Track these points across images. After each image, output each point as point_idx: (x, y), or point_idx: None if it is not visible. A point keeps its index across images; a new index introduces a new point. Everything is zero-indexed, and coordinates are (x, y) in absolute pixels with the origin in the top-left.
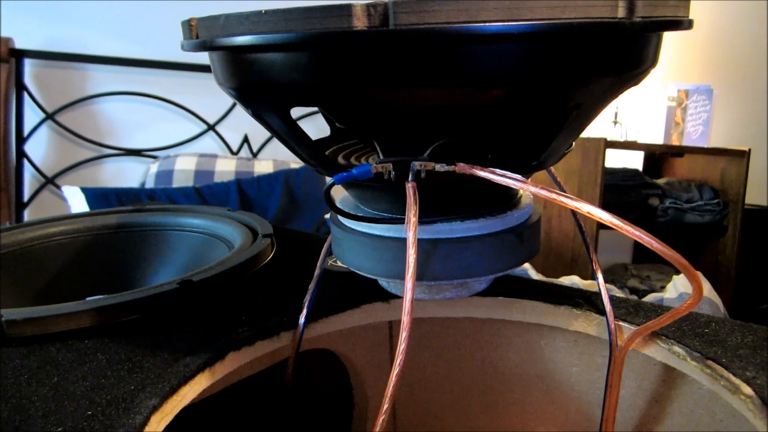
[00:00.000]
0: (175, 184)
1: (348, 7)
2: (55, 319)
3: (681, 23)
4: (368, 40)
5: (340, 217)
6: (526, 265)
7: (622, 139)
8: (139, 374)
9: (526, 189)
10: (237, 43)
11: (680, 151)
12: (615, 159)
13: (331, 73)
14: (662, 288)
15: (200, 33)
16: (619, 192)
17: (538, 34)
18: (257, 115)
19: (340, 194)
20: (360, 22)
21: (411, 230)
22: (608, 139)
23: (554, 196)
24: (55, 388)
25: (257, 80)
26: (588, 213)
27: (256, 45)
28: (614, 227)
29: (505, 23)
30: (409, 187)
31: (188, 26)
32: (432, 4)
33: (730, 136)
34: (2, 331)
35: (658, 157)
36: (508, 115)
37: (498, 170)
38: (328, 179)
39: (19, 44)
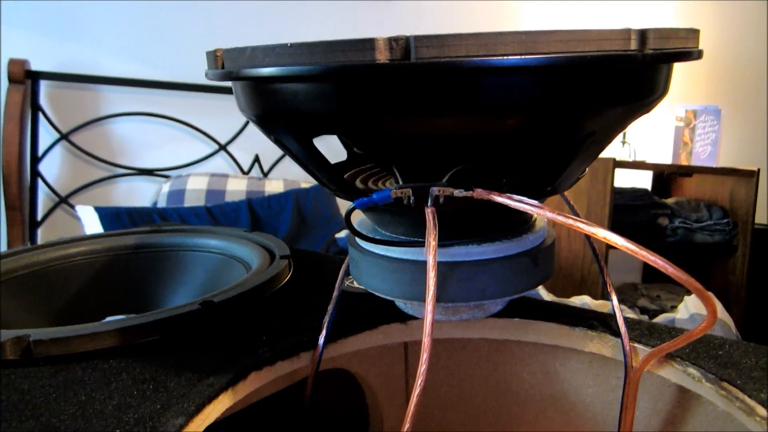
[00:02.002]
0: (187, 203)
1: (371, 41)
2: (80, 340)
3: (691, 54)
4: (390, 72)
5: (358, 239)
6: (539, 286)
7: (630, 159)
8: (164, 394)
9: (543, 215)
10: (263, 74)
11: (689, 171)
12: (624, 179)
13: (353, 104)
14: (673, 308)
15: (226, 63)
16: (628, 212)
17: (553, 66)
18: (279, 142)
19: (356, 217)
20: (382, 56)
21: (431, 254)
22: (617, 159)
23: (570, 221)
24: (83, 406)
25: (280, 109)
26: (604, 238)
27: (281, 76)
28: (630, 252)
29: (522, 57)
30: (429, 212)
31: (213, 56)
32: (452, 38)
33: (739, 156)
34: (29, 350)
35: (666, 176)
36: (523, 142)
37: (515, 196)
38: (340, 200)
39: (35, 66)
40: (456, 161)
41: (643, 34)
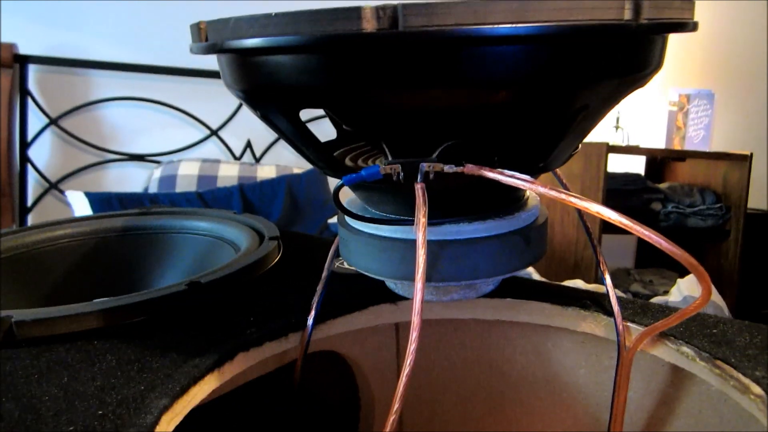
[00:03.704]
0: (179, 189)
1: (357, 10)
2: (64, 321)
3: (686, 25)
4: (378, 42)
5: (347, 218)
6: (530, 270)
7: (623, 144)
8: (149, 375)
9: (535, 190)
10: (246, 46)
11: (682, 156)
12: (617, 164)
13: (340, 75)
14: (665, 292)
15: (209, 36)
16: (621, 196)
17: (545, 36)
18: (266, 118)
19: (346, 197)
20: (369, 25)
21: (420, 231)
22: (610, 143)
23: (563, 196)
24: (66, 388)
25: (266, 82)
26: (597, 213)
27: (265, 47)
28: (623, 226)
29: (513, 25)
30: (418, 188)
31: (197, 29)
32: (441, 6)
33: (732, 140)
34: (12, 332)
35: (659, 161)
36: (515, 116)
37: (506, 171)
38: (332, 184)
39: (23, 50)
40: (446, 137)
41: (637, 3)
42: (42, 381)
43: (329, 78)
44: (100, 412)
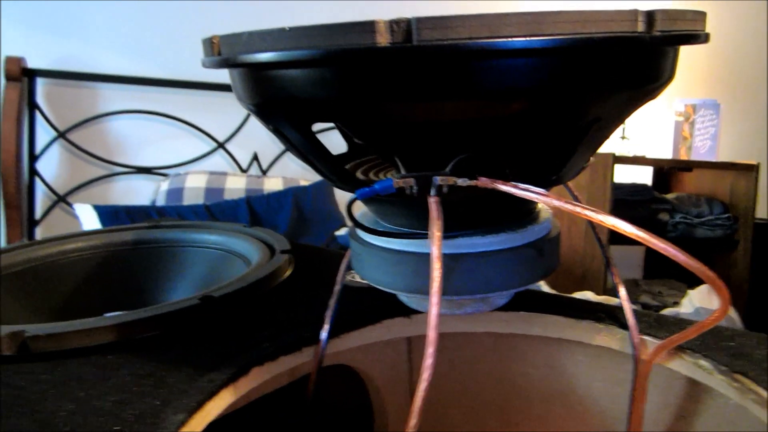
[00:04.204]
0: (186, 202)
1: (371, 24)
2: (77, 335)
3: (698, 37)
4: (392, 55)
5: (359, 232)
6: (540, 282)
7: (630, 155)
8: (164, 389)
9: (549, 203)
10: (260, 60)
11: (689, 166)
12: (623, 174)
13: (354, 89)
14: (675, 303)
15: (222, 50)
16: (628, 207)
17: (559, 48)
18: (277, 131)
19: (357, 210)
20: (383, 38)
21: (435, 244)
22: (616, 154)
23: (578, 209)
24: (81, 402)
25: (278, 96)
26: (612, 225)
27: (279, 61)
28: (639, 239)
29: (527, 38)
30: (432, 202)
31: (210, 43)
32: (455, 20)
33: (738, 150)
34: (25, 346)
35: (666, 171)
36: (528, 128)
37: (520, 184)
38: (338, 196)
39: (31, 63)
40: (459, 150)
41: (650, 16)
42: (57, 395)
43: (343, 91)
44: (117, 428)
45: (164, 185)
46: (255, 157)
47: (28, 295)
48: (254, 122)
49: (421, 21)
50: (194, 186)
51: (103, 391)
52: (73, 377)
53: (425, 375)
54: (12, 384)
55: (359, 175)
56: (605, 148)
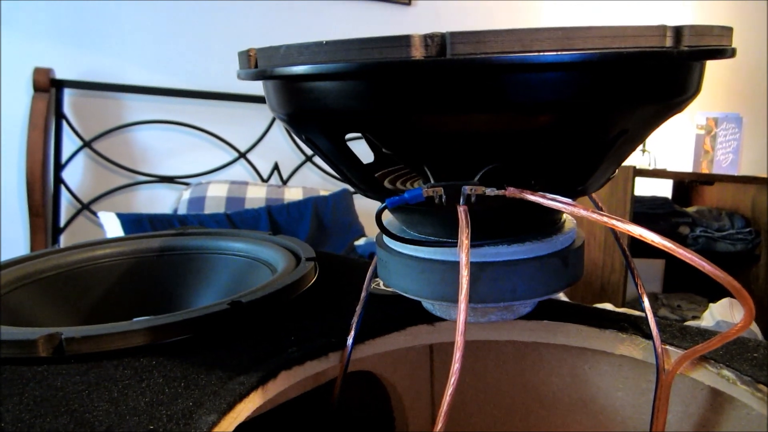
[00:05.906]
0: (207, 211)
1: (407, 38)
2: (111, 338)
3: (725, 52)
4: (426, 69)
5: (386, 239)
6: (560, 294)
7: (650, 168)
8: (196, 391)
9: (576, 212)
10: (298, 72)
11: (710, 179)
12: (644, 187)
13: (388, 101)
14: (694, 317)
15: (259, 62)
16: (649, 220)
17: (589, 63)
18: (309, 141)
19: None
20: (418, 52)
21: (464, 252)
22: (637, 167)
23: (605, 219)
24: (116, 403)
25: (313, 107)
26: (639, 235)
27: (315, 74)
28: (666, 249)
29: (558, 53)
30: (461, 211)
31: (246, 56)
32: (488, 34)
33: (760, 164)
34: (61, 347)
35: (687, 185)
36: (556, 140)
37: (548, 194)
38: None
39: (59, 74)
40: (488, 160)
41: (678, 31)
42: (93, 396)
43: (377, 103)
44: (152, 427)
45: (186, 194)
46: (276, 167)
47: (59, 300)
48: (275, 133)
49: (455, 35)
50: (215, 195)
51: (138, 391)
52: (107, 378)
53: (452, 380)
54: (49, 384)
55: (387, 184)
56: (626, 161)
